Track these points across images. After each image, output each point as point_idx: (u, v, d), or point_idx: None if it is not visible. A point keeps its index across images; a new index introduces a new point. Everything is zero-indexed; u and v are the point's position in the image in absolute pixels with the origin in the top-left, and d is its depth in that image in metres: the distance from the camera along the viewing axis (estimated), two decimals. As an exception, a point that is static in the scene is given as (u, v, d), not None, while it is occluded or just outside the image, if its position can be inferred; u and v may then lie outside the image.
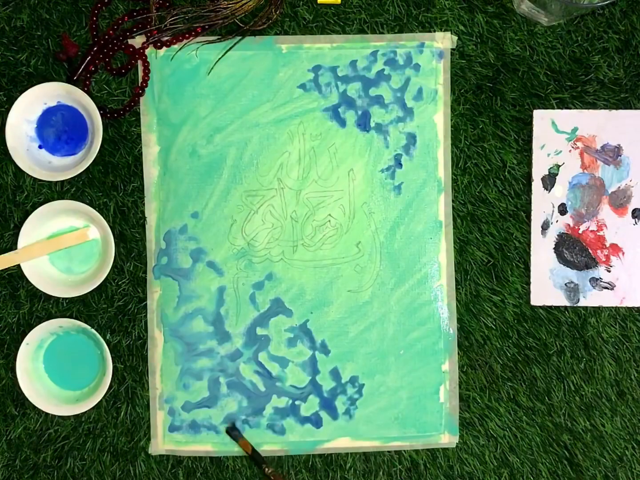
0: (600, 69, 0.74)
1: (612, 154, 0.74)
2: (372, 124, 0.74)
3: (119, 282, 0.74)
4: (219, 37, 0.73)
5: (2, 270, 0.74)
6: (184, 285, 0.74)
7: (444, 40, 0.74)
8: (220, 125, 0.74)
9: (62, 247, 0.74)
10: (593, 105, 0.74)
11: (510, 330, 0.74)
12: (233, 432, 0.73)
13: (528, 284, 0.74)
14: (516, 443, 0.75)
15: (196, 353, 0.74)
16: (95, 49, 0.73)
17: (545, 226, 0.74)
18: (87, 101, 0.71)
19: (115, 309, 0.74)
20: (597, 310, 0.74)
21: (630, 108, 0.74)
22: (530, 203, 0.74)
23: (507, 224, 0.74)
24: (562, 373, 0.75)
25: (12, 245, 0.74)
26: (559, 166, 0.74)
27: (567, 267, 0.74)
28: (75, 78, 0.73)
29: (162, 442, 0.74)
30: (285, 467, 0.75)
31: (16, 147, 0.72)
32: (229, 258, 0.74)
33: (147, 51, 0.73)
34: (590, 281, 0.74)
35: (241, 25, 0.73)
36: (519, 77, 0.74)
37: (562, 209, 0.74)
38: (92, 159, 0.71)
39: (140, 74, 0.73)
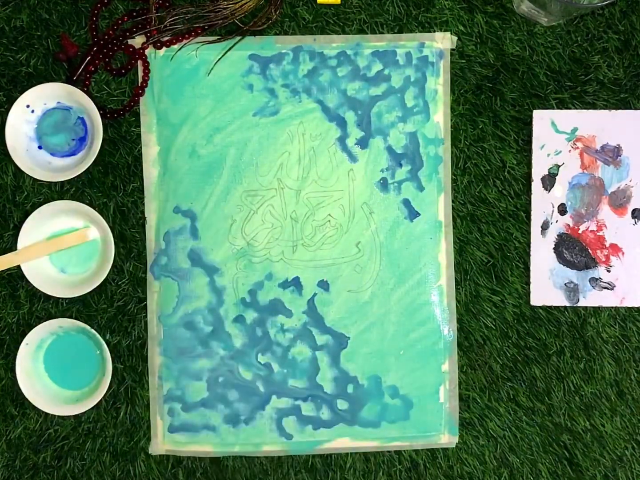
0: (600, 69, 0.74)
1: (612, 154, 0.74)
2: (372, 124, 0.74)
3: (119, 282, 0.74)
4: (219, 37, 0.73)
5: (2, 270, 0.74)
6: (184, 285, 0.74)
7: (443, 41, 0.74)
8: (220, 125, 0.74)
9: (62, 247, 0.74)
10: (593, 106, 0.74)
11: (510, 331, 0.74)
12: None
13: (528, 284, 0.74)
14: (516, 443, 0.75)
15: (196, 353, 0.74)
16: (95, 49, 0.73)
17: (545, 226, 0.74)
18: (86, 101, 0.71)
19: (115, 309, 0.74)
20: (597, 310, 0.74)
21: (630, 108, 0.74)
22: (530, 203, 0.74)
23: (507, 224, 0.74)
24: (562, 373, 0.75)
25: (12, 246, 0.74)
26: (559, 166, 0.74)
27: (567, 267, 0.74)
28: (75, 78, 0.73)
29: (162, 442, 0.74)
30: (285, 467, 0.75)
31: (16, 147, 0.72)
32: (228, 258, 0.74)
33: (147, 51, 0.73)
34: (590, 281, 0.74)
35: (241, 25, 0.73)
36: (519, 77, 0.74)
37: (562, 209, 0.74)
38: (93, 159, 0.71)
39: (140, 74, 0.73)
